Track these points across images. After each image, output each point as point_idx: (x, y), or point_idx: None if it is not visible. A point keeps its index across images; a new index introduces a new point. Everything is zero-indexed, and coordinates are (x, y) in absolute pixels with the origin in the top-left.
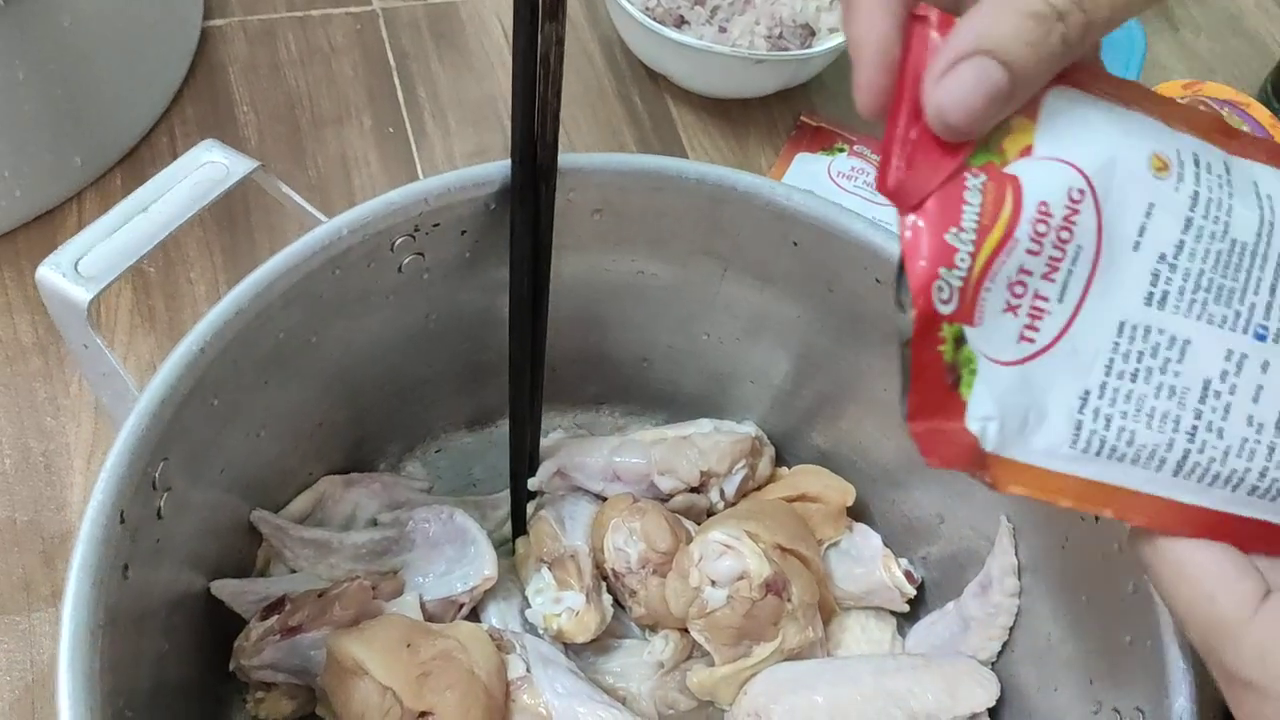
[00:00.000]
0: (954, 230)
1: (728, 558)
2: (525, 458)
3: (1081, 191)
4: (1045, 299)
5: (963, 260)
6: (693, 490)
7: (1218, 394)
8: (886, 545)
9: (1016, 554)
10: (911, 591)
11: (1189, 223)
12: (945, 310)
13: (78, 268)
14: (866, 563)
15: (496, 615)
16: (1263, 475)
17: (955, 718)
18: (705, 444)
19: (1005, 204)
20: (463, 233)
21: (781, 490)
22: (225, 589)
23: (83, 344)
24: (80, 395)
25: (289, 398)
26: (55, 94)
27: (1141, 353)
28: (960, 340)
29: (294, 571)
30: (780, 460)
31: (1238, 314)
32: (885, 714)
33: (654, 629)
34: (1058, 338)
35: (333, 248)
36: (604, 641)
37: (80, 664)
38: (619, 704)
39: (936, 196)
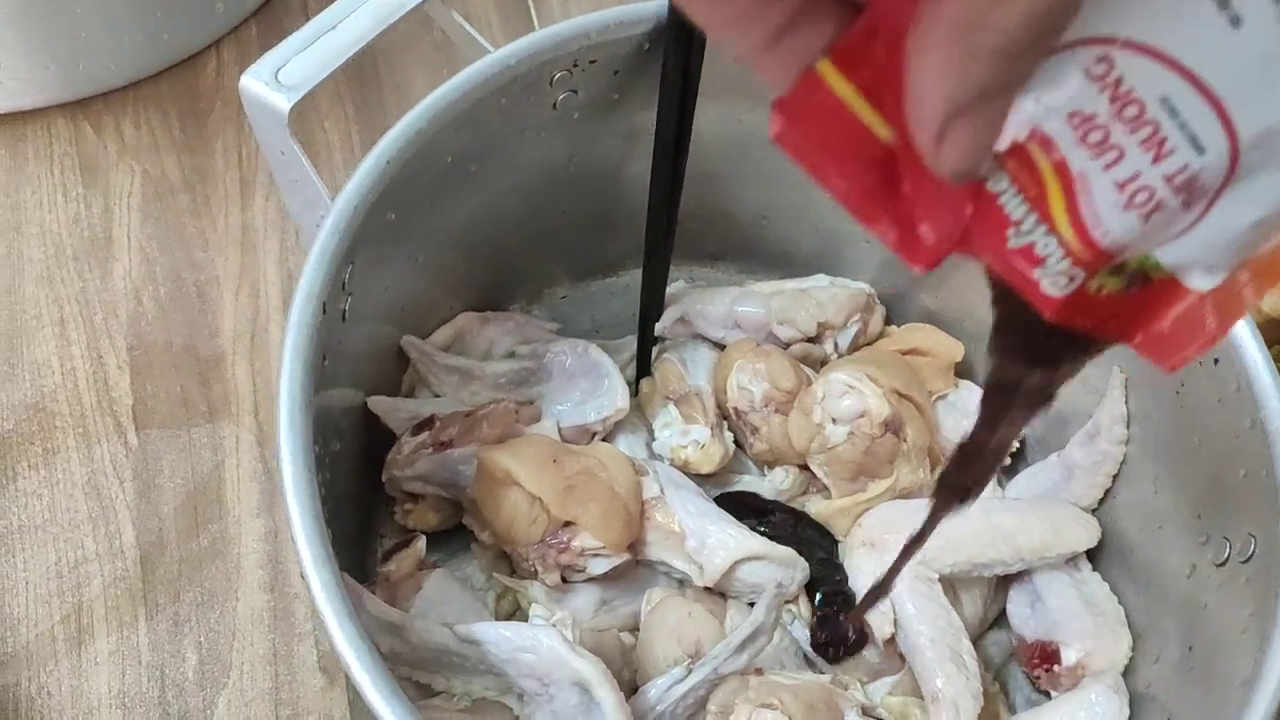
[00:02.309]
0: (1013, 230)
1: (850, 397)
2: (655, 298)
3: (1102, 59)
4: (1173, 151)
5: (1046, 245)
6: (809, 341)
7: None
8: None
9: (1127, 403)
10: (1014, 444)
11: None
12: (1070, 286)
13: (278, 77)
14: (972, 415)
15: (625, 446)
16: None
17: (1059, 554)
18: (822, 296)
19: (1035, 154)
20: (615, 72)
21: (893, 344)
22: (381, 405)
23: (280, 150)
24: (226, 231)
25: (445, 226)
26: None
27: None
28: (1119, 267)
29: (437, 396)
30: (888, 321)
31: None
32: (993, 547)
33: (772, 465)
34: (1230, 168)
35: (501, 76)
36: (724, 476)
37: (297, 424)
38: (744, 525)
39: (974, 219)
